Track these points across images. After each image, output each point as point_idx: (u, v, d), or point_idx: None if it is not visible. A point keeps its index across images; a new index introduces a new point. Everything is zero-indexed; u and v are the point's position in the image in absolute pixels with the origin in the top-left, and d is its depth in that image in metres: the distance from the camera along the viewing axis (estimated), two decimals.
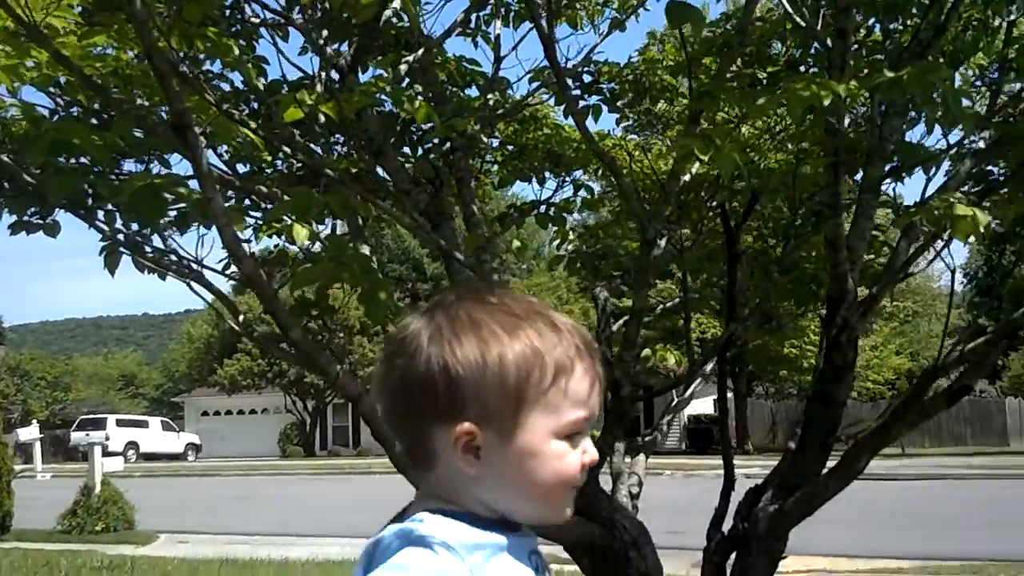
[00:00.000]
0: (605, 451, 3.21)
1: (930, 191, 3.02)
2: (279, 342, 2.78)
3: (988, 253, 34.32)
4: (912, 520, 14.46)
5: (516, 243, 3.85)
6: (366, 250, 3.76)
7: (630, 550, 3.07)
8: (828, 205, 2.88)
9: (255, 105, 3.79)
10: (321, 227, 3.25)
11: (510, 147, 5.06)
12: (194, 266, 2.79)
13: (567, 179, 5.02)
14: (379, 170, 3.67)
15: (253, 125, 2.87)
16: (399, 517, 1.14)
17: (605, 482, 3.43)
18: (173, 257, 2.98)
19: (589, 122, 3.88)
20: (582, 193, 4.97)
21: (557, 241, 4.83)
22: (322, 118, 3.23)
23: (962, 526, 13.50)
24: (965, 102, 2.84)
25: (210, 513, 17.80)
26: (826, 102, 2.10)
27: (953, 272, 2.97)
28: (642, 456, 3.89)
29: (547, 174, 5.02)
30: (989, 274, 36.18)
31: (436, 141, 3.65)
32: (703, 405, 40.54)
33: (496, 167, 4.96)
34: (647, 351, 3.84)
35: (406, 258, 54.36)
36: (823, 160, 3.09)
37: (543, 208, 4.75)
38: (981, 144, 3.19)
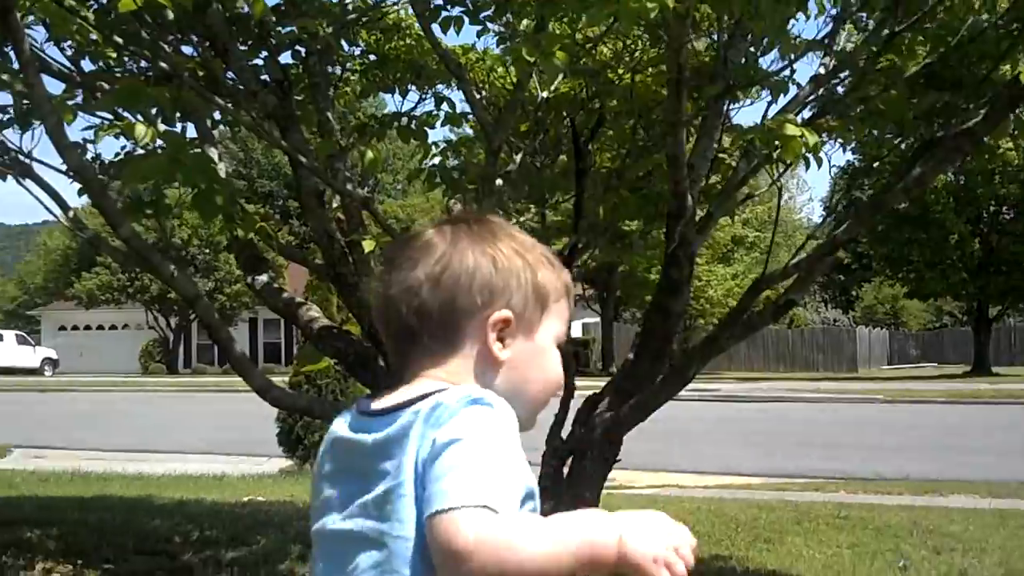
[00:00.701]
0: None
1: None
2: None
3: (847, 184, 35.65)
4: (761, 440, 15.15)
5: (369, 155, 3.81)
6: (214, 154, 3.68)
7: None
8: (669, 123, 2.95)
9: None
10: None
11: (372, 56, 4.97)
12: (22, 159, 2.68)
13: (429, 92, 4.97)
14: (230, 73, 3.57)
15: (86, 14, 2.75)
16: (386, 401, 1.24)
17: None
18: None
19: (452, 35, 3.85)
20: (445, 107, 4.94)
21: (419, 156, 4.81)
22: (171, 15, 3.12)
23: (807, 445, 14.24)
24: (804, 32, 2.94)
25: (67, 429, 17.32)
26: (652, 14, 2.14)
27: (780, 189, 3.09)
28: None
29: (410, 86, 4.96)
30: (848, 207, 37.67)
31: (288, 43, 3.56)
32: (572, 328, 41.43)
33: (356, 76, 4.87)
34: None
35: (277, 174, 53.09)
36: (663, 78, 3.16)
37: (404, 121, 4.71)
38: (822, 70, 3.30)
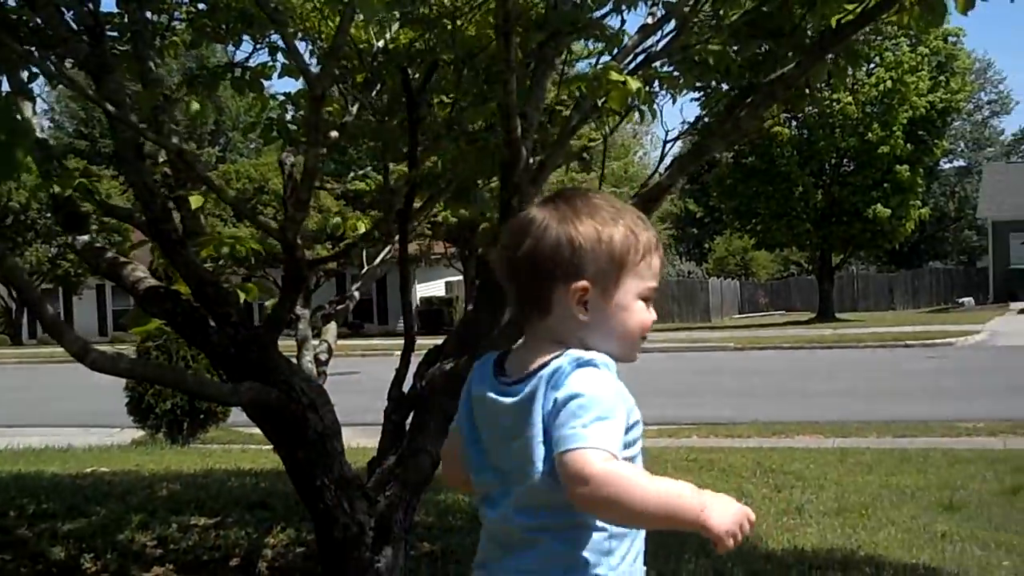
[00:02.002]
0: (283, 317, 3.18)
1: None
2: None
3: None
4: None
5: (194, 106, 3.66)
6: (28, 109, 3.46)
7: (308, 411, 3.09)
8: (498, 72, 2.92)
9: None
10: None
11: (201, 4, 4.75)
12: None
13: (263, 42, 4.78)
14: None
15: None
16: (512, 364, 1.62)
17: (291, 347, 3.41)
18: None
19: None
20: (282, 58, 4.77)
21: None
22: None
23: (664, 394, 14.64)
24: None
25: None
26: None
27: (605, 139, 3.10)
28: (333, 324, 3.90)
29: (244, 36, 4.77)
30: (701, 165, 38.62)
31: None
32: (435, 288, 41.30)
33: (184, 25, 4.65)
34: (337, 219, 3.82)
35: None
36: (491, 25, 3.13)
37: (238, 72, 4.52)
38: (650, 20, 3.32)
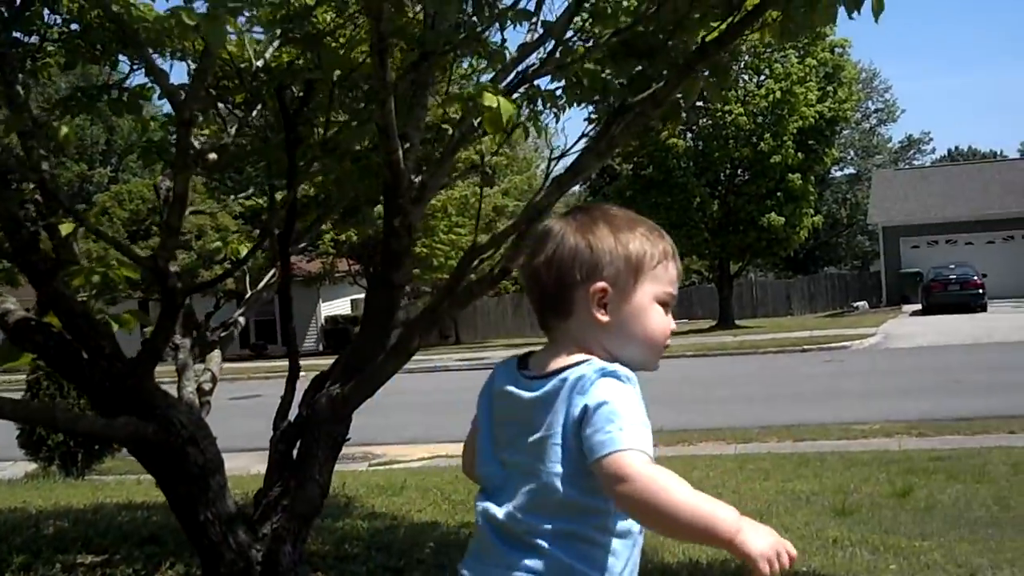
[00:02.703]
0: (159, 348, 3.08)
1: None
2: None
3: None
4: None
5: (63, 130, 3.52)
6: None
7: (188, 445, 3.00)
8: (376, 92, 2.88)
9: None
10: None
11: (75, 25, 4.60)
12: None
13: (140, 62, 4.65)
14: None
15: None
16: (536, 363, 1.66)
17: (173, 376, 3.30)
18: None
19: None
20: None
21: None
22: None
23: None
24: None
25: None
26: None
27: (482, 159, 3.09)
28: (217, 352, 3.79)
29: (121, 56, 4.63)
30: (601, 175, 39.10)
31: None
32: (341, 306, 40.83)
33: (57, 46, 4.49)
34: (218, 243, 3.72)
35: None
36: (367, 44, 3.09)
37: (115, 93, 4.38)
38: (530, 38, 3.32)
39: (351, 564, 4.59)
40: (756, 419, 11.80)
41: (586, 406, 1.53)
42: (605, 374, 1.56)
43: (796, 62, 31.69)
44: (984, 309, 31.89)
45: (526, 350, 1.73)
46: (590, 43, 3.24)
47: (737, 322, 34.75)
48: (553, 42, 3.22)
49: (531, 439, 1.58)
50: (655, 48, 3.05)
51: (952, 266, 34.61)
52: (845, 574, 4.32)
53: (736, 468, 8.29)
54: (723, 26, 2.78)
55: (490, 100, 2.60)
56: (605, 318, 1.62)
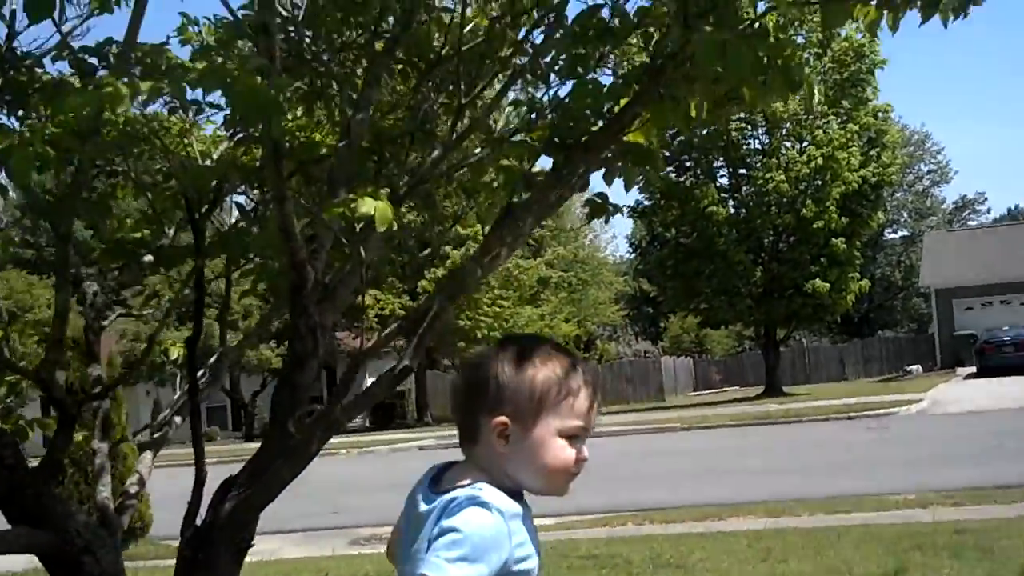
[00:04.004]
0: (57, 459, 3.09)
1: None
2: None
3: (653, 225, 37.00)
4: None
5: None
6: None
7: (83, 555, 2.99)
8: (274, 197, 2.91)
9: None
10: None
11: None
12: None
13: None
14: None
15: None
16: (446, 478, 1.74)
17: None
18: None
19: None
20: None
21: None
22: None
23: (605, 479, 14.48)
24: None
25: None
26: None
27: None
28: (148, 454, 3.80)
29: None
30: (652, 242, 39.00)
31: None
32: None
33: None
34: (143, 346, 3.76)
35: None
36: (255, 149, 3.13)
37: None
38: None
39: None
40: (792, 491, 11.51)
41: (441, 527, 1.62)
42: (474, 502, 1.64)
43: (838, 128, 31.56)
44: None
45: (452, 460, 1.82)
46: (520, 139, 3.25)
47: (786, 389, 34.18)
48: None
49: (409, 552, 1.69)
50: (576, 141, 3.03)
51: (1006, 328, 33.85)
52: None
53: (744, 548, 8.06)
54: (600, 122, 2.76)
55: (367, 207, 2.61)
56: (504, 449, 1.70)
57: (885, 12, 2.91)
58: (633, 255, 57.48)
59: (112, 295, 3.61)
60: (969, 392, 26.27)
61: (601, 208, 3.36)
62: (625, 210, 39.17)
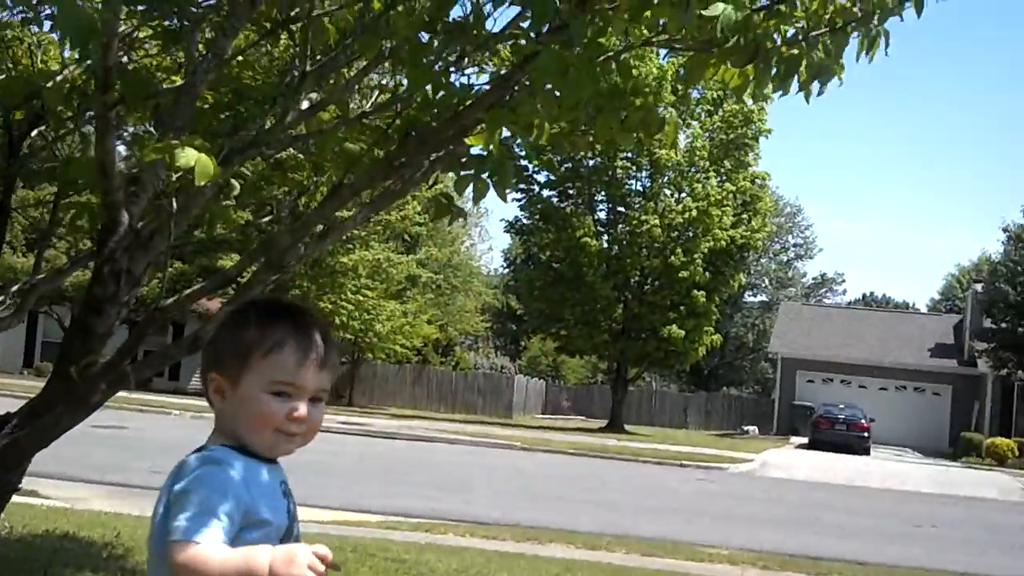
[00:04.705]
0: None
1: None
2: None
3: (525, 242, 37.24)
4: (396, 478, 15.18)
5: None
6: None
7: None
8: (96, 126, 2.76)
9: None
10: None
11: None
12: None
13: None
14: None
15: None
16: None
17: None
18: None
19: None
20: None
21: None
22: None
23: (436, 487, 14.43)
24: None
25: None
26: None
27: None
28: None
29: None
30: (526, 261, 39.28)
31: None
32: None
33: None
34: None
35: None
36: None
37: None
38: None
39: None
40: (614, 527, 11.68)
41: (173, 491, 1.70)
42: (203, 460, 1.73)
43: (716, 185, 32.50)
44: (867, 452, 32.49)
45: None
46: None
47: (628, 427, 34.86)
48: None
49: (154, 525, 1.75)
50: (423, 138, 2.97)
51: (842, 406, 35.33)
52: None
53: (554, 574, 8.12)
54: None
55: (187, 157, 2.48)
56: (221, 405, 1.81)
57: (750, 78, 2.96)
58: (506, 270, 57.84)
59: None
60: (798, 461, 27.28)
61: (445, 209, 3.31)
62: (503, 224, 39.67)
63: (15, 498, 3.36)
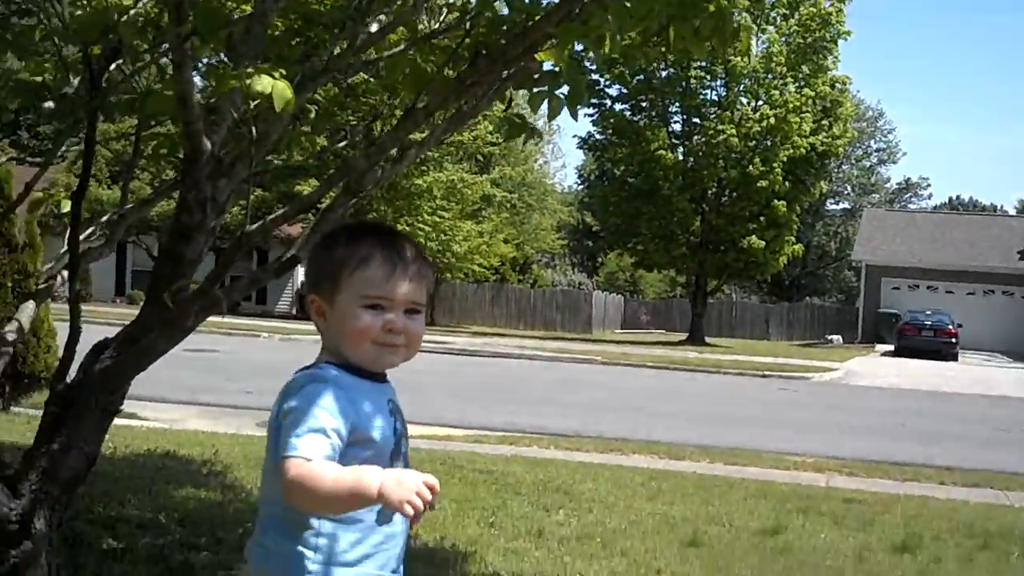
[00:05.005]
0: None
1: None
2: None
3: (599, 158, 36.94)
4: (477, 394, 15.47)
5: None
6: None
7: None
8: (173, 59, 2.81)
9: None
10: None
11: None
12: None
13: None
14: None
15: None
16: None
17: None
18: None
19: None
20: None
21: None
22: None
23: (519, 401, 14.66)
24: None
25: None
26: None
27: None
28: (31, 304, 3.73)
29: None
30: (600, 177, 39.03)
31: None
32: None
33: None
34: (42, 194, 3.66)
35: None
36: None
37: None
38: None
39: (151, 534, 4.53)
40: (697, 437, 11.76)
41: (282, 408, 1.79)
42: (309, 379, 1.81)
43: (794, 91, 31.65)
44: (955, 359, 31.95)
45: None
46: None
47: (709, 339, 34.75)
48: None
49: (268, 442, 1.84)
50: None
51: (929, 312, 34.68)
52: None
53: (637, 484, 8.21)
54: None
55: (263, 84, 2.53)
56: (323, 325, 1.88)
57: None
58: (580, 187, 57.46)
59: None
60: (883, 369, 26.97)
61: (519, 128, 3.32)
62: (576, 141, 39.21)
63: (116, 420, 3.52)
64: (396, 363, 1.89)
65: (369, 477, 1.68)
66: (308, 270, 1.93)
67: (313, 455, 1.70)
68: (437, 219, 34.49)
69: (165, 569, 4.21)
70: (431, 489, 1.67)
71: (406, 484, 1.66)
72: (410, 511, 1.65)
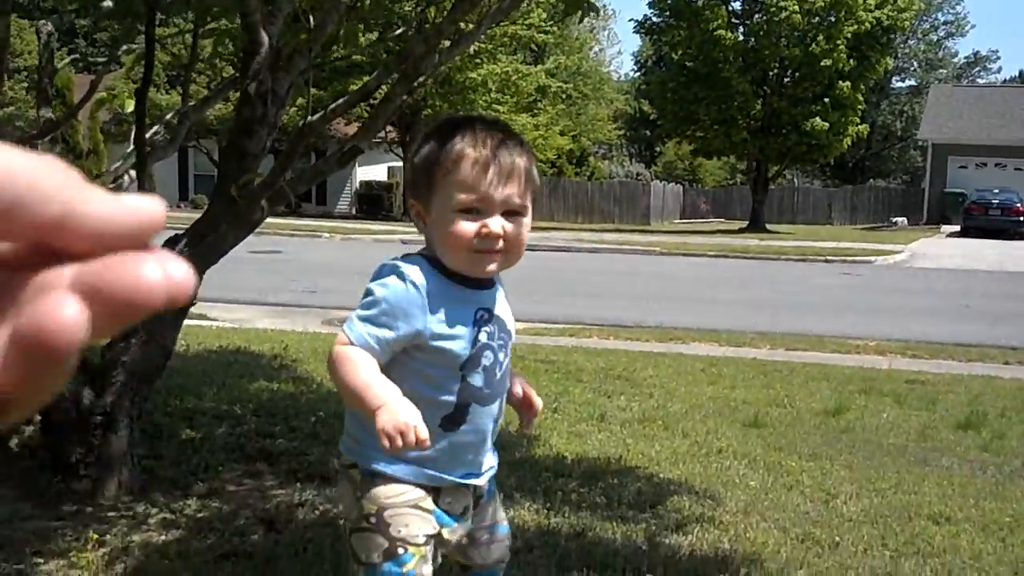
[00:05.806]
0: None
1: None
2: None
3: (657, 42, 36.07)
4: (534, 287, 15.56)
5: None
6: None
7: None
8: None
9: None
10: None
11: None
12: None
13: None
14: None
15: None
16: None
17: None
18: None
19: None
20: None
21: None
22: None
23: (577, 294, 14.73)
24: None
25: None
26: None
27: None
28: None
29: None
30: (657, 63, 38.23)
31: None
32: (375, 171, 40.87)
33: None
34: (105, 94, 3.72)
35: None
36: None
37: None
38: None
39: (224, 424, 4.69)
40: (757, 324, 11.75)
41: (367, 287, 1.83)
42: (394, 271, 1.80)
43: None
44: (1023, 238, 31.22)
45: None
46: None
47: (770, 226, 34.30)
48: None
49: None
50: None
51: (996, 191, 33.77)
52: (700, 482, 4.35)
53: (697, 371, 8.29)
54: None
55: None
56: (424, 230, 1.85)
57: None
58: (637, 74, 56.33)
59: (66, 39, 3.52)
60: (949, 250, 26.49)
61: (576, 4, 3.27)
62: (632, 24, 38.35)
63: (187, 320, 3.62)
64: (495, 270, 1.82)
65: (378, 396, 1.70)
66: (409, 173, 1.93)
67: (357, 340, 1.74)
68: (493, 112, 34.20)
69: (242, 456, 4.37)
70: (418, 441, 1.65)
71: (398, 420, 1.65)
72: (386, 444, 1.65)
